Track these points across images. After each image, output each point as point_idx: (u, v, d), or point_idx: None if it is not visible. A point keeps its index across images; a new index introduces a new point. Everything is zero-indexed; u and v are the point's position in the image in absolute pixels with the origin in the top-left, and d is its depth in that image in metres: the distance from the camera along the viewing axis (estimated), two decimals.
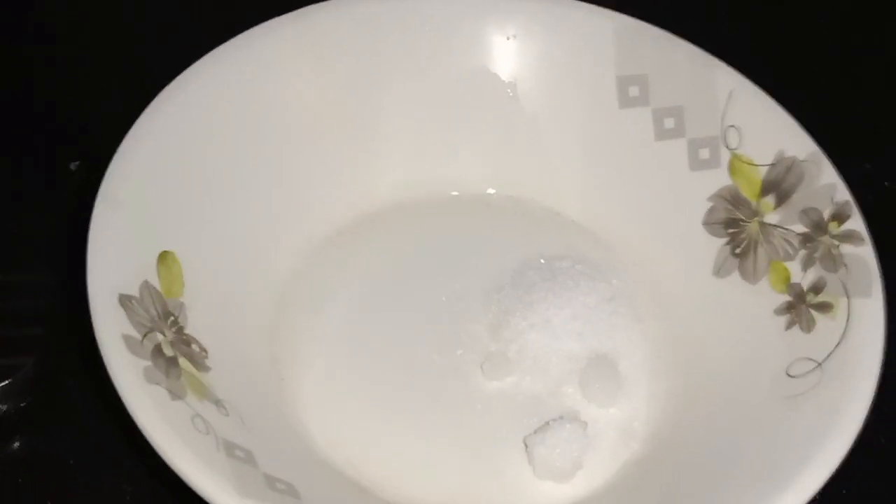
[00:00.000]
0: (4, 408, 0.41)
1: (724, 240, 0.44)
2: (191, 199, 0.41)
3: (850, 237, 0.41)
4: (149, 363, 0.35)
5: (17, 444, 0.41)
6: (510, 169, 0.49)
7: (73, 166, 0.50)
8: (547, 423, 0.41)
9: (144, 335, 0.36)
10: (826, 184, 0.42)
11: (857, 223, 0.41)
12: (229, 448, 0.34)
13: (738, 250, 0.44)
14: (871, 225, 0.41)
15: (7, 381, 0.41)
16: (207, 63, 0.43)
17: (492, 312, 0.44)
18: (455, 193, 0.49)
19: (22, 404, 0.42)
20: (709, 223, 0.45)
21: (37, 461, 0.41)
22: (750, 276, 0.43)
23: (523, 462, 0.40)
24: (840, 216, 0.41)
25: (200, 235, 0.41)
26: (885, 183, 0.54)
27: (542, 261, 0.46)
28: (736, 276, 0.43)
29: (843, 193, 0.42)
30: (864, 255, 0.40)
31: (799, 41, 0.61)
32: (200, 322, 0.39)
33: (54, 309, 0.44)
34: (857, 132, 0.55)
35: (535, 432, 0.40)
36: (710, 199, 0.45)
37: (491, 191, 0.49)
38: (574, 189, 0.48)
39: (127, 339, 0.35)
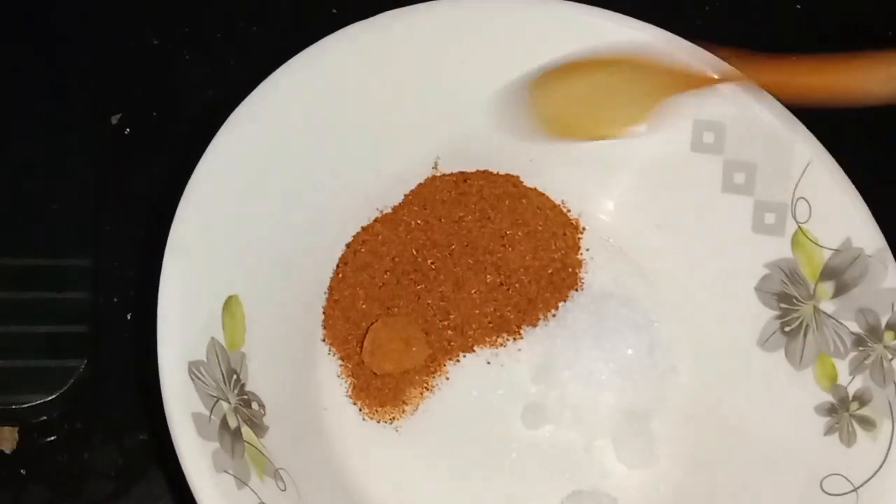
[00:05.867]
0: (55, 415, 0.41)
1: (775, 313, 0.44)
2: (250, 235, 0.40)
3: None
4: (216, 445, 0.35)
5: (63, 455, 0.41)
6: (562, 186, 0.48)
7: (114, 119, 0.48)
8: (580, 492, 0.42)
9: (212, 408, 0.36)
10: (889, 287, 0.42)
11: None
12: None
13: (787, 329, 0.44)
14: None
15: (62, 391, 0.40)
16: (263, 93, 0.41)
17: (535, 353, 0.45)
18: None
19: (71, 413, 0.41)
20: (762, 290, 0.45)
21: (80, 473, 0.41)
22: (796, 360, 0.43)
23: None
24: None
25: (259, 272, 0.40)
26: None
27: (590, 300, 0.46)
28: (781, 355, 0.44)
29: None
30: None
31: None
32: (258, 370, 0.39)
33: (99, 300, 0.43)
34: None
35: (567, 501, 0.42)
36: (768, 266, 0.45)
37: None
38: (628, 220, 0.48)
39: (196, 419, 0.35)
